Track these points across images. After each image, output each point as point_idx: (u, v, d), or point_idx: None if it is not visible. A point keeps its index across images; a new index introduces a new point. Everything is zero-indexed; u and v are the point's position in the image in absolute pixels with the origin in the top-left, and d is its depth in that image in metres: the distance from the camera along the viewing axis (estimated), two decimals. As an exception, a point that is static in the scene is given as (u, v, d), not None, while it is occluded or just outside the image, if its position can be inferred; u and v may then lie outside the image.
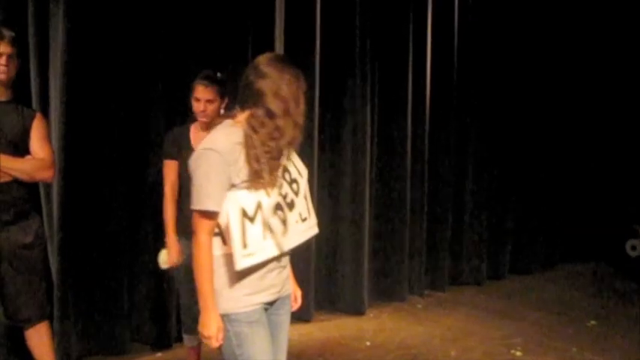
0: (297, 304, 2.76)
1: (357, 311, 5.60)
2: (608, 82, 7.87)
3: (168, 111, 3.97)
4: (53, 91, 4.13)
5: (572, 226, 7.81)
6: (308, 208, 2.58)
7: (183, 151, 3.62)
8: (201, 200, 2.31)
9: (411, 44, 5.98)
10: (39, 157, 3.37)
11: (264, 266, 2.41)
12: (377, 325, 5.35)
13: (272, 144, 2.35)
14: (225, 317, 2.39)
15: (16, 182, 3.29)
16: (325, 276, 5.66)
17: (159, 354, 4.39)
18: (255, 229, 2.33)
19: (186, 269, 3.27)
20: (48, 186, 4.11)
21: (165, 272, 3.74)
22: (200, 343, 3.89)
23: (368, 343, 4.88)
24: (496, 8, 6.74)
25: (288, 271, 2.62)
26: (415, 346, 4.84)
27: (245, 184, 2.32)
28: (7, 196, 3.27)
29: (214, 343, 2.37)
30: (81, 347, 4.29)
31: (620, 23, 7.70)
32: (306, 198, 2.57)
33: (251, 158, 2.32)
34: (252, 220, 2.32)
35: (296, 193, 2.50)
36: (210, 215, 2.33)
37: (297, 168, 2.55)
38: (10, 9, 3.93)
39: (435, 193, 6.44)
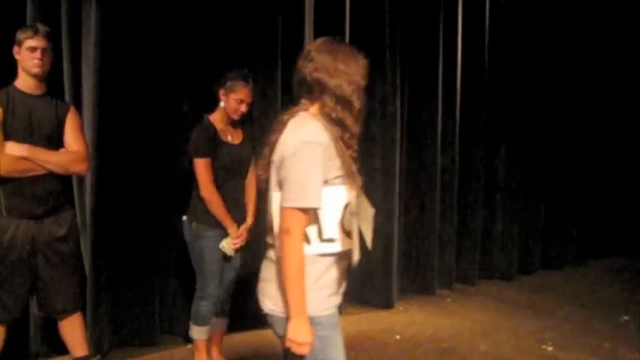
0: None
1: (387, 305, 5.59)
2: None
3: (201, 106, 3.99)
4: (85, 85, 4.17)
5: (605, 220, 7.72)
6: None
7: (217, 147, 3.76)
8: (305, 197, 2.15)
9: (441, 32, 5.97)
10: (73, 150, 3.41)
11: (343, 265, 2.35)
12: (406, 319, 5.34)
13: (350, 133, 2.28)
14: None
15: (50, 175, 3.34)
16: (355, 269, 5.64)
17: (189, 345, 4.42)
18: (354, 224, 2.27)
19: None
20: (80, 179, 4.15)
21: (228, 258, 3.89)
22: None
23: (397, 337, 4.87)
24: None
25: None
26: (445, 339, 4.82)
27: (338, 180, 2.23)
28: (41, 189, 3.32)
29: (307, 350, 2.20)
30: (113, 338, 4.33)
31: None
32: None
33: (342, 151, 2.24)
34: (354, 215, 2.26)
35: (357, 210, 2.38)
36: (309, 212, 2.18)
37: None
38: (43, 5, 3.97)
39: (466, 187, 6.40)
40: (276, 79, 4.83)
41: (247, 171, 3.95)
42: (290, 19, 4.92)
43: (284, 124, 2.31)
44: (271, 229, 2.32)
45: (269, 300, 2.32)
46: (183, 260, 4.04)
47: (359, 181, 2.32)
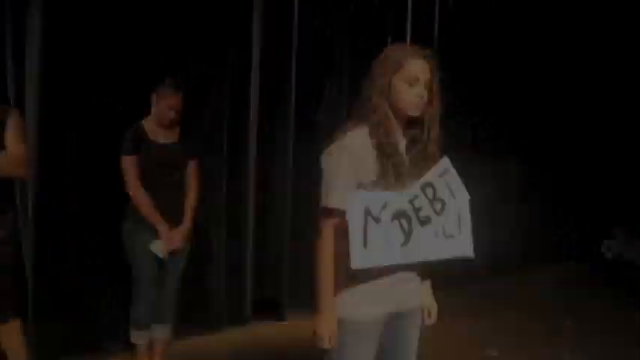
0: (430, 320, 2.79)
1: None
2: (594, 86, 7.93)
3: (144, 109, 3.98)
4: (29, 87, 4.09)
5: (549, 226, 7.85)
6: (459, 227, 2.54)
7: (144, 146, 3.82)
8: (327, 197, 2.26)
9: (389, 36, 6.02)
10: (13, 153, 3.33)
11: (385, 276, 2.33)
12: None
13: (382, 139, 2.30)
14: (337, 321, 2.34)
15: (-10, 178, 3.25)
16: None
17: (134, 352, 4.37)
18: (378, 231, 2.22)
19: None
20: (22, 182, 4.06)
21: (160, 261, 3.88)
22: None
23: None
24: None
25: (415, 285, 2.55)
26: (391, 345, 4.83)
27: (373, 185, 2.25)
28: (-21, 192, 3.24)
29: (326, 344, 2.32)
30: (54, 346, 4.24)
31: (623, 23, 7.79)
32: (460, 218, 2.53)
33: (379, 154, 2.27)
34: (376, 220, 2.22)
35: (437, 212, 2.38)
36: (335, 213, 2.26)
37: (450, 189, 2.45)
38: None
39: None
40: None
41: (184, 173, 3.94)
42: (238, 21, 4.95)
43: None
44: None
45: None
46: (127, 265, 3.99)
47: (418, 199, 2.32)
